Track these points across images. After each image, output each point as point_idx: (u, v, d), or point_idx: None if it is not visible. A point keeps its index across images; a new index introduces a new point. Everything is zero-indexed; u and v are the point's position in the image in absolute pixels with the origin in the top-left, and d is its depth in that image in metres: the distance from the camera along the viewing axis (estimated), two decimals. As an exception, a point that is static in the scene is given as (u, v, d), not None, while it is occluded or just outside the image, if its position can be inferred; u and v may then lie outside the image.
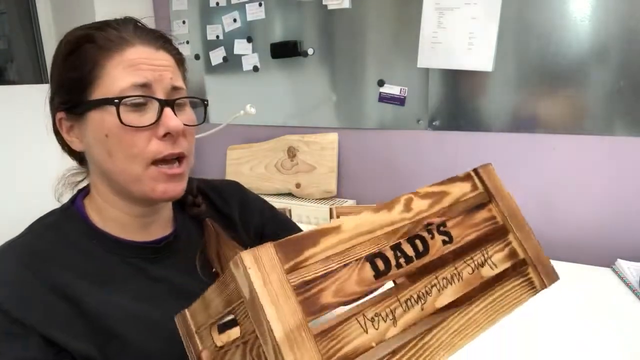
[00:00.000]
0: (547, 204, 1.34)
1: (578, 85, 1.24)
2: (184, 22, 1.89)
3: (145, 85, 0.56)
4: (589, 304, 1.00)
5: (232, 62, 1.80)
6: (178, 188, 0.60)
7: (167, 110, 0.57)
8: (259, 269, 0.36)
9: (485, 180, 0.54)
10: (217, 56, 1.83)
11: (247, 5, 1.70)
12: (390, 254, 0.44)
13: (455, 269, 0.47)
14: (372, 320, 0.41)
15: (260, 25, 1.70)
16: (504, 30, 1.28)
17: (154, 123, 0.56)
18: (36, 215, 0.62)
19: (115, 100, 0.55)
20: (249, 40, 1.73)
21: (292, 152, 1.70)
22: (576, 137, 1.27)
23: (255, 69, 1.75)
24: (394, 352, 0.41)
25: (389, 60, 1.48)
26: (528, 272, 0.52)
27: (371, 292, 0.42)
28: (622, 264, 1.13)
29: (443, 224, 0.49)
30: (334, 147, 1.63)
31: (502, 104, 1.34)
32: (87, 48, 0.57)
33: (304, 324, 0.37)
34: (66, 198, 0.66)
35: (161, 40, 0.61)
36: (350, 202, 1.61)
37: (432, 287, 0.45)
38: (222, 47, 1.81)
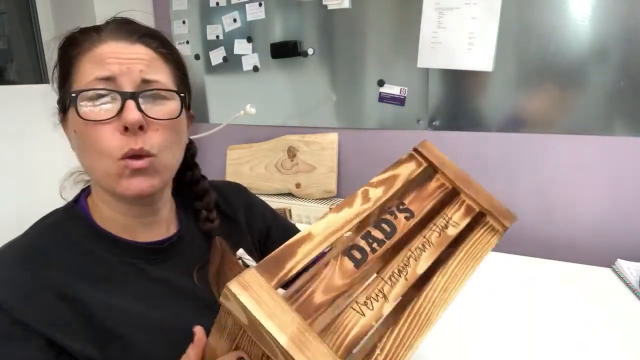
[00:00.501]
0: (547, 204, 1.34)
1: (578, 85, 1.24)
2: (184, 22, 1.89)
3: (109, 79, 0.55)
4: (589, 304, 1.00)
5: (232, 62, 1.80)
6: (144, 184, 0.57)
7: (128, 103, 0.55)
8: (249, 294, 0.38)
9: (427, 155, 0.58)
10: (217, 56, 1.83)
11: (247, 5, 1.70)
12: (363, 243, 0.48)
13: (424, 237, 0.52)
14: (365, 303, 0.44)
15: (260, 25, 1.70)
16: (504, 30, 1.28)
17: (114, 116, 0.55)
18: (34, 215, 0.62)
19: (73, 95, 0.55)
20: (249, 40, 1.73)
21: (292, 152, 1.70)
22: (576, 137, 1.27)
23: (255, 69, 1.75)
24: (395, 322, 0.45)
25: (389, 60, 1.48)
26: (487, 221, 0.57)
27: (355, 281, 0.46)
28: (622, 264, 1.13)
29: (401, 203, 0.53)
30: (334, 147, 1.63)
31: (502, 104, 1.34)
32: (67, 48, 0.59)
33: (306, 327, 0.38)
34: (72, 196, 0.66)
35: (138, 34, 0.59)
36: (350, 202, 1.61)
37: (408, 258, 0.49)
38: (222, 47, 1.81)
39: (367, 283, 0.46)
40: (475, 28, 1.30)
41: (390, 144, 1.54)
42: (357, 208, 0.49)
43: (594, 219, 1.28)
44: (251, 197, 0.82)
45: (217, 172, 1.86)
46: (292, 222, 1.36)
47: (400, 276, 0.47)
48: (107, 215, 0.62)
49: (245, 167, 1.79)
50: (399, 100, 1.49)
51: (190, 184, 0.73)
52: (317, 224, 0.46)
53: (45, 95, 0.63)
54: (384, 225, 0.50)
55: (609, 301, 1.01)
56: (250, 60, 1.75)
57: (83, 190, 0.66)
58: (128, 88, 0.56)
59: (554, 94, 1.27)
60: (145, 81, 0.57)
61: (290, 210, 1.39)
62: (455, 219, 0.55)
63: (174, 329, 0.59)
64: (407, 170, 0.56)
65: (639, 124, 1.19)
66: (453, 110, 1.41)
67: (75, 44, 0.58)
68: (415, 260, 0.49)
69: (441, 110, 1.43)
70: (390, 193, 0.52)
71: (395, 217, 0.51)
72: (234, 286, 0.38)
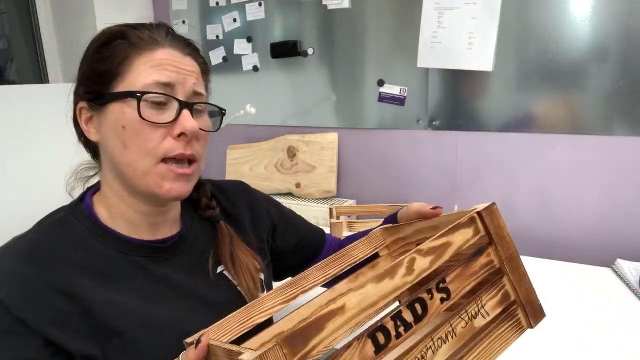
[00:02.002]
0: (547, 204, 1.34)
1: (578, 85, 1.24)
2: (184, 22, 1.89)
3: (168, 85, 0.58)
4: (589, 304, 1.00)
5: (232, 62, 1.80)
6: (184, 189, 0.61)
7: (186, 112, 0.59)
8: None
9: (488, 223, 0.51)
10: (217, 56, 1.83)
11: (247, 5, 1.70)
12: (390, 325, 0.44)
13: (450, 325, 0.48)
14: None
15: (260, 25, 1.70)
16: (504, 30, 1.28)
17: (171, 122, 0.58)
18: (33, 215, 0.63)
19: (138, 94, 0.57)
20: (249, 40, 1.73)
21: (292, 152, 1.70)
22: (576, 137, 1.27)
23: (255, 69, 1.75)
24: None
25: (389, 60, 1.48)
26: (517, 314, 0.52)
27: None
28: (622, 264, 1.13)
29: (442, 280, 0.48)
30: (334, 147, 1.63)
31: (502, 104, 1.34)
32: (119, 43, 0.60)
33: None
34: (78, 192, 0.67)
35: (190, 47, 0.64)
36: (350, 202, 1.61)
37: (427, 350, 0.46)
38: (222, 47, 1.81)
39: None
40: (475, 28, 1.30)
41: (390, 144, 1.54)
42: (398, 281, 0.45)
43: (594, 219, 1.28)
44: (256, 195, 0.84)
45: (217, 172, 1.86)
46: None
47: None
48: (117, 212, 0.63)
49: (245, 167, 1.79)
50: (399, 100, 1.49)
51: None
52: (353, 296, 0.42)
53: (45, 95, 0.63)
54: (417, 306, 0.46)
55: (609, 301, 1.01)
56: (250, 60, 1.75)
57: (89, 189, 0.67)
58: (181, 97, 0.60)
59: (553, 94, 1.27)
60: (195, 93, 0.61)
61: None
62: (488, 307, 0.50)
63: (174, 328, 0.60)
64: (463, 238, 0.50)
65: (639, 124, 1.19)
66: (453, 110, 1.41)
67: (129, 43, 0.59)
68: (434, 353, 0.46)
69: (441, 110, 1.43)
70: (436, 265, 0.48)
71: (432, 298, 0.47)
72: None
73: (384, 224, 0.69)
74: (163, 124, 0.58)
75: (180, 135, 0.59)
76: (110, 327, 0.56)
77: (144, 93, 0.57)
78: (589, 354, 0.83)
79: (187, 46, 0.63)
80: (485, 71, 1.32)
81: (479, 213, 0.51)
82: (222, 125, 0.70)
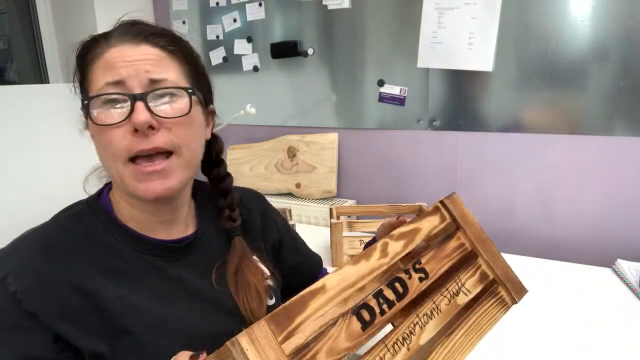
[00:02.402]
0: (547, 204, 1.34)
1: (578, 85, 1.24)
2: (184, 22, 1.89)
3: (118, 82, 0.56)
4: (589, 304, 1.00)
5: (232, 62, 1.80)
6: (162, 186, 0.57)
7: (137, 105, 0.55)
8: (256, 351, 0.38)
9: (452, 210, 0.57)
10: (217, 56, 1.83)
11: (247, 5, 1.70)
12: (373, 302, 0.47)
13: (434, 302, 0.51)
14: None
15: (260, 25, 1.70)
16: (504, 30, 1.28)
17: (125, 119, 0.55)
18: (33, 215, 0.62)
19: (85, 101, 0.57)
20: (249, 40, 1.73)
21: (292, 152, 1.70)
22: (576, 137, 1.27)
23: (255, 69, 1.75)
24: None
25: (389, 60, 1.48)
26: (499, 291, 0.56)
27: (360, 344, 0.45)
28: (622, 264, 1.13)
29: (418, 261, 0.52)
30: (334, 147, 1.63)
31: (502, 104, 1.34)
32: (81, 56, 0.60)
33: None
34: (92, 189, 0.67)
35: (143, 34, 0.58)
36: (350, 202, 1.62)
37: (414, 325, 0.49)
38: (222, 47, 1.81)
39: (369, 348, 0.46)
40: (475, 28, 1.30)
41: (390, 144, 1.54)
42: (374, 262, 0.48)
43: (594, 219, 1.28)
44: (268, 205, 0.83)
45: (217, 172, 1.86)
46: (292, 222, 1.36)
47: (403, 345, 0.47)
48: (127, 212, 0.63)
49: (245, 167, 1.79)
50: (399, 100, 1.49)
51: (215, 181, 0.73)
52: (332, 276, 0.45)
53: (45, 95, 0.63)
54: (397, 285, 0.49)
55: (609, 301, 1.01)
56: (250, 60, 1.75)
57: (107, 184, 0.67)
58: (137, 90, 0.56)
59: (553, 94, 1.27)
60: (153, 81, 0.57)
61: (290, 211, 1.39)
62: (468, 285, 0.54)
63: (183, 330, 0.60)
64: (430, 224, 0.55)
65: (639, 124, 1.19)
66: (453, 110, 1.41)
67: (87, 52, 0.59)
68: (421, 328, 0.49)
69: (441, 110, 1.43)
70: (409, 248, 0.51)
71: (410, 277, 0.51)
72: (243, 340, 0.38)
73: (364, 248, 0.69)
74: (116, 123, 0.55)
75: (137, 130, 0.55)
76: (120, 325, 0.56)
77: (91, 98, 0.56)
78: (589, 354, 0.83)
79: (138, 34, 0.58)
80: (485, 71, 1.32)
81: (441, 202, 0.57)
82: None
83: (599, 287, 1.08)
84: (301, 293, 0.43)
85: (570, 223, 1.31)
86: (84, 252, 0.58)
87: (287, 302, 0.42)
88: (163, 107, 0.57)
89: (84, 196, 0.66)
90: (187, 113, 0.58)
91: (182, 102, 0.58)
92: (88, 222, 0.60)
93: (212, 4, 1.78)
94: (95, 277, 0.56)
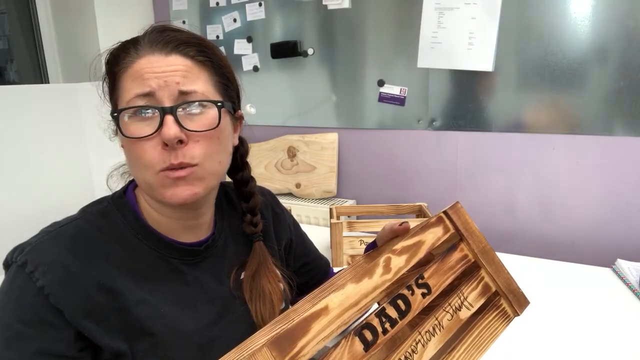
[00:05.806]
0: (547, 204, 1.34)
1: (578, 85, 1.24)
2: (184, 22, 1.89)
3: (149, 95, 0.55)
4: (589, 304, 1.00)
5: (232, 62, 1.77)
6: (187, 192, 0.57)
7: (166, 119, 0.55)
8: None
9: (456, 220, 0.55)
10: (217, 56, 1.83)
11: (247, 5, 1.70)
12: (376, 322, 0.46)
13: (436, 319, 0.50)
14: None
15: (260, 25, 1.70)
16: (504, 30, 1.28)
17: (154, 132, 0.55)
18: (33, 215, 0.62)
19: (115, 114, 0.57)
20: (249, 40, 1.73)
21: (292, 152, 1.70)
22: (576, 137, 1.27)
23: (255, 69, 1.75)
24: None
25: (389, 60, 1.48)
26: (501, 303, 0.55)
27: None
28: (622, 264, 1.13)
29: (421, 275, 0.51)
30: (334, 147, 1.63)
31: (502, 104, 1.34)
32: (110, 64, 0.59)
33: None
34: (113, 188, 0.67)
35: (172, 44, 0.58)
36: (350, 202, 1.62)
37: (416, 344, 0.47)
38: (222, 47, 1.81)
39: None
40: (475, 28, 1.30)
41: (390, 144, 1.54)
42: (377, 280, 0.47)
43: (594, 219, 1.28)
44: (280, 205, 0.83)
45: (217, 172, 1.86)
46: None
47: None
48: (152, 215, 0.63)
49: (245, 167, 1.79)
50: (399, 100, 1.49)
51: (239, 184, 0.73)
52: (334, 296, 0.44)
53: (45, 95, 0.63)
54: (400, 302, 0.48)
55: (609, 301, 1.01)
56: (250, 60, 1.75)
57: (132, 181, 0.66)
58: (167, 102, 0.56)
59: (553, 94, 1.27)
60: (182, 93, 0.56)
61: (290, 211, 1.39)
62: (470, 299, 0.53)
63: (200, 333, 0.60)
64: (434, 236, 0.53)
65: (639, 124, 1.19)
66: (453, 110, 1.41)
67: (117, 60, 0.58)
68: (423, 346, 0.48)
69: (441, 110, 1.43)
70: (412, 262, 0.50)
71: (412, 293, 0.49)
72: None
73: (365, 252, 0.69)
74: (146, 136, 0.55)
75: (166, 144, 0.55)
76: (143, 327, 0.56)
77: (120, 110, 0.56)
78: (589, 354, 0.83)
79: (168, 44, 0.57)
80: (485, 71, 1.32)
81: (445, 212, 0.54)
82: (220, 119, 0.66)
83: (598, 287, 1.08)
84: (303, 316, 0.42)
85: (570, 223, 1.31)
86: (110, 251, 0.58)
87: (290, 326, 0.41)
88: (192, 121, 0.57)
89: (83, 195, 0.66)
90: (217, 126, 0.58)
91: (211, 115, 0.58)
92: (114, 218, 0.61)
93: (212, 4, 1.78)
94: (119, 277, 0.57)
